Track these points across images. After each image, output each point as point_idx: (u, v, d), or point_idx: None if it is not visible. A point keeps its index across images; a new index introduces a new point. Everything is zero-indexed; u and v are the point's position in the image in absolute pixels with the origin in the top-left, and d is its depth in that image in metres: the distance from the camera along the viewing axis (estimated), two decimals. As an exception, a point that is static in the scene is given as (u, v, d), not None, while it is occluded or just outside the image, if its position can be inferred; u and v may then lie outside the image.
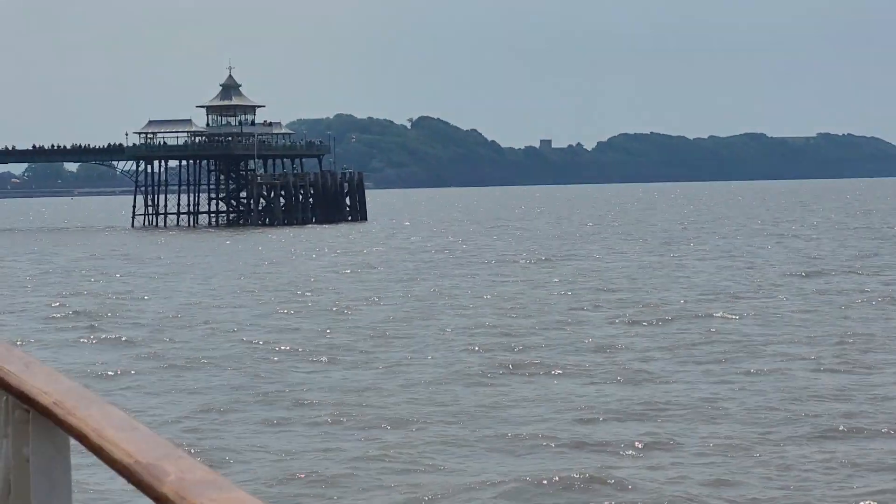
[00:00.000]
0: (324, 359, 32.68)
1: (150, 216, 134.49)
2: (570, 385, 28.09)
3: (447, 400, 26.50)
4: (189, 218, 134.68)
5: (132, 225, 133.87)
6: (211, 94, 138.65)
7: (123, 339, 37.53)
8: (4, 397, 4.03)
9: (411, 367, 30.93)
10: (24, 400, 3.86)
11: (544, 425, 23.78)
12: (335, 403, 26.25)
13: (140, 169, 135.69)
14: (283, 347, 34.77)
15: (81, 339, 37.82)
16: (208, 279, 60.04)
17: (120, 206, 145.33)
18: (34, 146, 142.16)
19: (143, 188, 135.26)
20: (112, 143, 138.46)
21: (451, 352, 33.40)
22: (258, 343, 35.82)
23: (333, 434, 23.59)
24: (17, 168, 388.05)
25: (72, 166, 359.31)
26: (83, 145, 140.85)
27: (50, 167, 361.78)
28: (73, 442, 3.62)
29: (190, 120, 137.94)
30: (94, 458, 3.28)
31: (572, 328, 37.81)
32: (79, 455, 3.86)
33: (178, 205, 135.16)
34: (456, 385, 28.25)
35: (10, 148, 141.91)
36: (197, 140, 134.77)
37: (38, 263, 75.80)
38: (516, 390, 27.59)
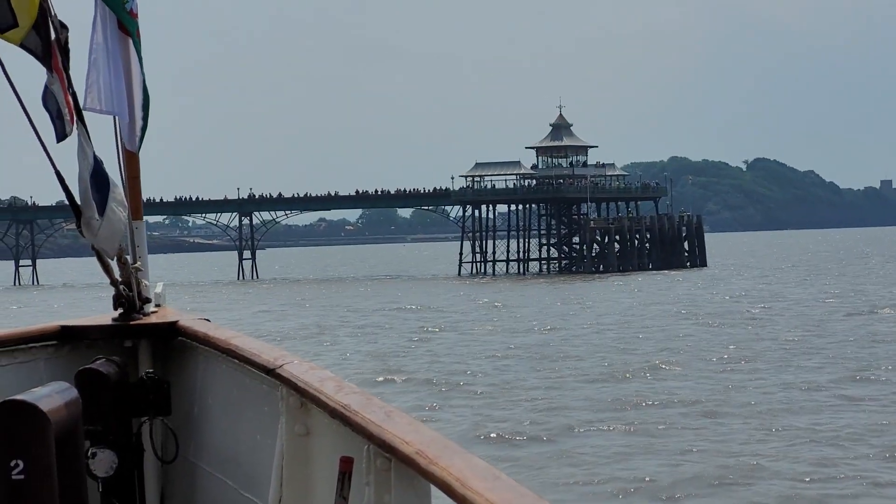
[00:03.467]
0: None
1: (479, 263, 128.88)
2: None
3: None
4: (519, 265, 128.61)
5: (458, 273, 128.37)
6: (540, 135, 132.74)
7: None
8: (366, 446, 4.29)
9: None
10: (386, 449, 4.06)
11: None
12: None
13: (467, 214, 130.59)
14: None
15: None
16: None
17: (452, 253, 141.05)
18: (357, 191, 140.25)
19: (470, 234, 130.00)
20: (438, 188, 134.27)
21: None
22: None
23: None
24: (352, 215, 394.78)
25: (405, 212, 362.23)
26: (409, 190, 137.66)
27: (383, 213, 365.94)
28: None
29: (518, 162, 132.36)
30: None
31: None
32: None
33: (507, 251, 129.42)
34: None
35: (333, 194, 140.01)
36: (526, 183, 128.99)
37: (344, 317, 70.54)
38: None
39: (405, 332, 58.93)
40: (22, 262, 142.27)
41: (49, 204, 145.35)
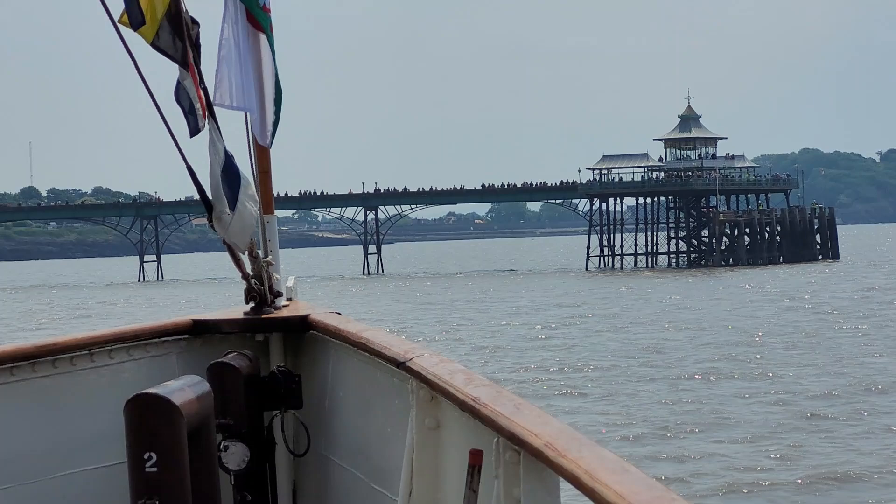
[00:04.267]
0: None
1: (606, 257, 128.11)
2: None
3: None
4: (647, 259, 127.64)
5: (586, 267, 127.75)
6: (668, 127, 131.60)
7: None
8: (496, 438, 4.28)
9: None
10: (515, 441, 4.07)
11: None
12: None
13: (594, 207, 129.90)
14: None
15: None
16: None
17: (580, 247, 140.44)
18: (483, 185, 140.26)
19: (597, 227, 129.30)
20: (565, 181, 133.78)
21: None
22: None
23: None
24: (482, 209, 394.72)
25: (534, 206, 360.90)
26: (536, 183, 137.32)
27: (512, 207, 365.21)
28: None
29: (646, 154, 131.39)
30: (582, 500, 3.35)
31: None
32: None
33: (636, 245, 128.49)
34: None
35: (459, 187, 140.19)
36: (654, 175, 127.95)
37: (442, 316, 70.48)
38: None
39: (535, 327, 58.79)
40: (147, 258, 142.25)
41: (173, 199, 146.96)
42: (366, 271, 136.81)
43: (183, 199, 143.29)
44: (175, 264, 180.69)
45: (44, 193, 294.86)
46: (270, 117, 6.82)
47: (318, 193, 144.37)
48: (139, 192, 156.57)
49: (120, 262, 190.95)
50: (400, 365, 5.52)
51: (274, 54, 6.81)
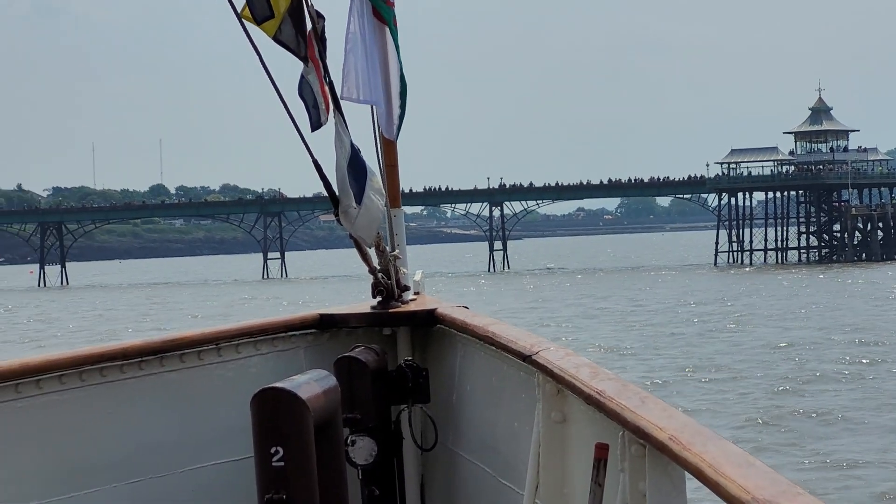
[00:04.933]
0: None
1: (735, 253, 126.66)
2: None
3: None
4: (777, 254, 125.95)
5: (714, 263, 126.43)
6: (799, 119, 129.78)
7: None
8: (621, 432, 4.28)
9: None
10: (640, 435, 4.07)
11: None
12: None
13: (723, 202, 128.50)
14: None
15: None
16: None
17: (709, 242, 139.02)
18: (610, 180, 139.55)
19: (726, 222, 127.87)
20: (693, 176, 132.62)
21: None
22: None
23: None
24: (611, 204, 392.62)
25: (663, 201, 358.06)
26: (663, 178, 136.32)
27: (642, 202, 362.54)
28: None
29: (775, 147, 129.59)
30: (707, 494, 3.36)
31: None
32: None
33: (765, 240, 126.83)
34: None
35: (586, 182, 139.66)
36: (784, 169, 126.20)
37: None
38: None
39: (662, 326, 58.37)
40: (271, 255, 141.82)
41: (298, 196, 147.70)
42: (491, 268, 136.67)
43: (308, 195, 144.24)
44: (301, 261, 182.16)
45: (172, 191, 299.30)
46: (396, 111, 6.80)
47: (444, 189, 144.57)
48: (267, 189, 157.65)
49: (246, 259, 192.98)
50: (526, 359, 5.49)
51: (398, 48, 6.79)
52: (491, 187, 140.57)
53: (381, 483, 6.48)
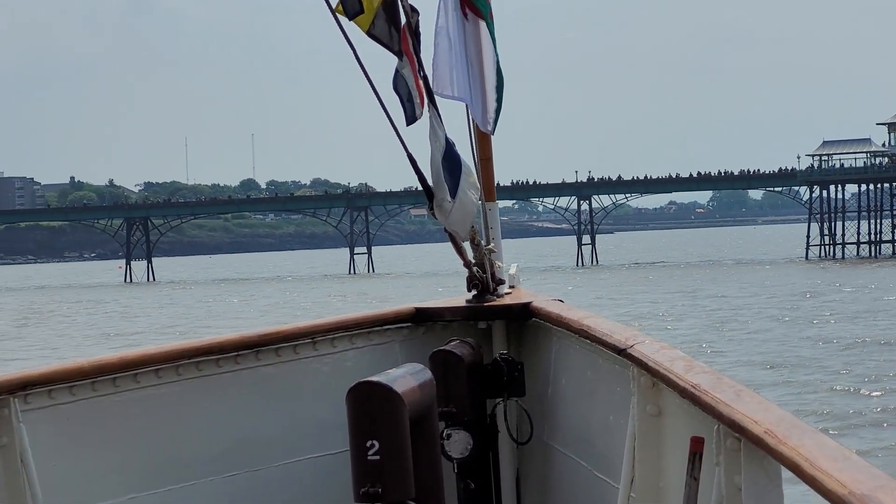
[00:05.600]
0: None
1: (826, 247, 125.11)
2: None
3: None
4: (870, 248, 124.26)
5: (806, 257, 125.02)
6: (892, 110, 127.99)
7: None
8: (716, 426, 4.26)
9: None
10: (736, 429, 4.04)
11: None
12: None
13: (814, 195, 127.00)
14: None
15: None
16: None
17: (801, 235, 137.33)
18: (699, 172, 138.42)
19: (818, 215, 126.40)
20: (784, 168, 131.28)
21: None
22: None
23: None
24: (703, 197, 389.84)
25: (755, 194, 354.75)
26: (753, 171, 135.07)
27: (734, 195, 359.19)
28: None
29: (868, 139, 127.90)
30: (803, 488, 3.34)
31: None
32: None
33: (858, 233, 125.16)
34: None
35: (675, 176, 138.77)
36: (877, 161, 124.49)
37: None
38: None
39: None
40: (357, 250, 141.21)
41: (387, 190, 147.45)
42: (579, 262, 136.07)
43: (396, 189, 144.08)
44: (389, 255, 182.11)
45: (262, 186, 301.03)
46: (492, 104, 6.78)
47: (531, 183, 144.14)
48: (358, 183, 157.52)
49: (333, 255, 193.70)
50: (621, 352, 5.48)
51: (495, 41, 6.77)
52: (578, 181, 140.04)
53: (476, 476, 6.48)
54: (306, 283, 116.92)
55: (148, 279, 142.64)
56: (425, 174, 6.25)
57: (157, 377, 6.17)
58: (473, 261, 6.79)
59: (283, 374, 6.52)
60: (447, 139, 6.28)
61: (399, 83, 6.30)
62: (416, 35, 6.29)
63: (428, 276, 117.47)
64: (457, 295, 7.06)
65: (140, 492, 6.08)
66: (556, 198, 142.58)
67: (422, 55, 6.34)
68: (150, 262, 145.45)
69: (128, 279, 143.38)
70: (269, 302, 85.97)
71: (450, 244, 6.58)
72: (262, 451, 6.42)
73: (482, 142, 7.09)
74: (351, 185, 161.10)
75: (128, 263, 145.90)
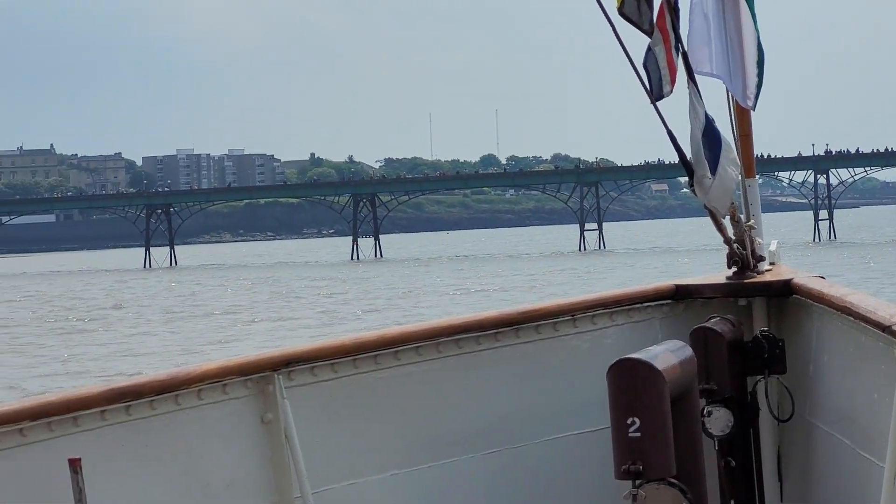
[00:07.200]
0: None
1: None
2: None
3: None
4: None
5: None
6: None
7: None
8: None
9: None
10: None
11: None
12: None
13: None
14: None
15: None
16: None
17: None
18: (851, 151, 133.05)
19: None
20: None
21: None
22: None
23: None
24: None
25: None
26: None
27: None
28: None
29: None
30: None
31: None
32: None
33: None
34: None
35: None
36: None
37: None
38: None
39: None
40: (588, 227, 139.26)
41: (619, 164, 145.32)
42: (816, 237, 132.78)
43: (630, 164, 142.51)
44: (622, 232, 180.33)
45: (503, 161, 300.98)
46: (753, 80, 6.71)
47: (766, 157, 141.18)
48: (595, 158, 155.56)
49: (565, 231, 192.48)
50: (886, 329, 5.38)
51: (755, 17, 6.70)
52: (815, 154, 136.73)
53: (737, 454, 6.44)
54: (530, 262, 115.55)
55: (375, 255, 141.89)
56: (685, 150, 6.23)
57: (418, 354, 6.26)
58: (733, 237, 6.76)
59: (542, 351, 6.55)
60: (707, 115, 6.25)
61: (649, 60, 6.29)
62: (674, 11, 6.27)
63: (658, 254, 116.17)
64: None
65: (401, 469, 6.18)
66: (792, 172, 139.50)
67: (680, 31, 6.31)
68: (377, 238, 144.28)
69: (354, 256, 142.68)
70: (474, 282, 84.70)
71: (694, 219, 6.53)
72: (522, 429, 6.46)
73: (741, 117, 7.02)
74: (588, 161, 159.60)
75: (354, 241, 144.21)
